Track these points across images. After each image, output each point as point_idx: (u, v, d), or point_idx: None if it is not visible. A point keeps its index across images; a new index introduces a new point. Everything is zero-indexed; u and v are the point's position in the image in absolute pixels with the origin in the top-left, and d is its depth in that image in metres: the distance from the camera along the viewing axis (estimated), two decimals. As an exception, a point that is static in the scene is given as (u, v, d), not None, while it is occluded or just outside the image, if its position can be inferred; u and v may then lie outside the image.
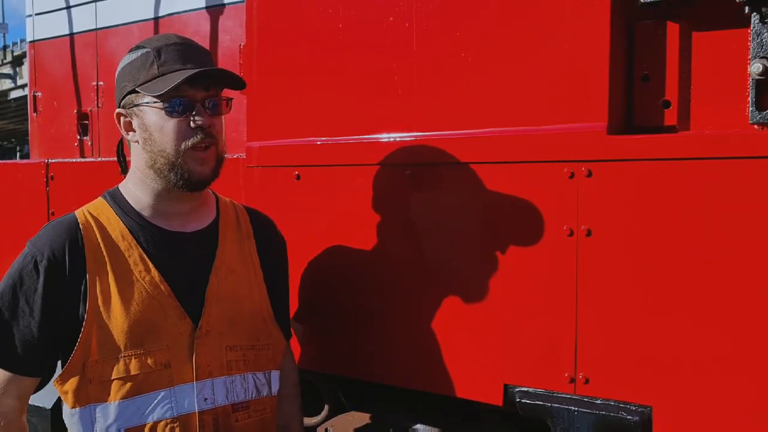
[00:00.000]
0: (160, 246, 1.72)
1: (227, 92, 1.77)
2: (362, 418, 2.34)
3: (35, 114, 3.80)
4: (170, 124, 1.64)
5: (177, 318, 1.68)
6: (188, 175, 1.66)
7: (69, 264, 1.65)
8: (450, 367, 1.91)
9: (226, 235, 1.82)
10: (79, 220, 1.70)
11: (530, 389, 1.80)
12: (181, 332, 1.68)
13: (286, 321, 2.00)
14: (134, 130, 1.71)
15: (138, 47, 1.71)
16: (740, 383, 1.55)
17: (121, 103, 1.72)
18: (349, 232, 2.06)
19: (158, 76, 1.64)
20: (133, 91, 1.68)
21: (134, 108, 1.69)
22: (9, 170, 3.24)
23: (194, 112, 1.65)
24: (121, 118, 1.73)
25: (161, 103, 1.63)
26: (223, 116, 1.73)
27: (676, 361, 1.61)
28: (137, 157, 1.73)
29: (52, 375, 1.72)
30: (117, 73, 1.74)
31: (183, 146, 1.65)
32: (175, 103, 1.63)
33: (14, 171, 3.21)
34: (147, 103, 1.65)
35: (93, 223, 1.70)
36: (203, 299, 1.72)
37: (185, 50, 1.68)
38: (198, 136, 1.65)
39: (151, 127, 1.66)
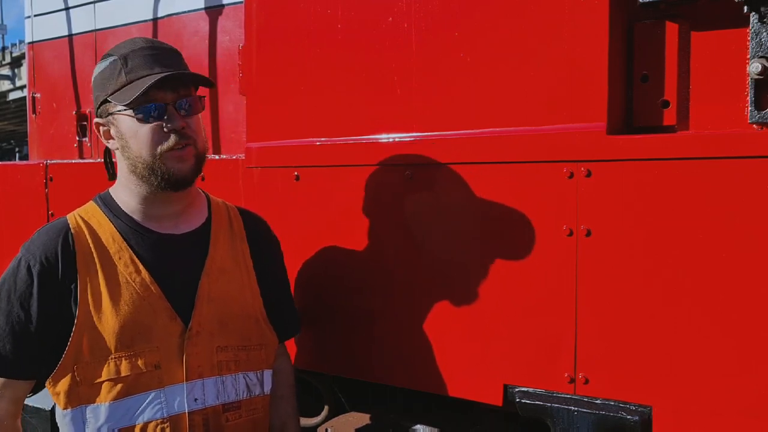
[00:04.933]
0: (152, 248, 1.73)
1: (201, 90, 1.76)
2: (362, 418, 2.34)
3: (34, 115, 3.79)
4: (144, 130, 1.65)
5: (167, 319, 1.69)
6: (168, 175, 1.67)
7: (61, 268, 1.66)
8: (450, 367, 1.91)
9: (218, 236, 1.83)
10: (70, 224, 1.71)
11: (530, 389, 1.80)
12: (171, 333, 1.69)
13: (291, 318, 2.00)
14: (113, 138, 1.72)
15: (107, 55, 1.72)
16: (740, 383, 1.55)
17: (98, 113, 1.74)
18: (349, 232, 2.06)
19: (126, 84, 1.65)
20: (107, 101, 1.69)
21: (109, 117, 1.70)
22: (8, 171, 3.24)
23: (166, 117, 1.65)
24: (100, 128, 1.75)
25: (132, 111, 1.64)
26: (198, 115, 1.73)
27: (676, 361, 1.61)
28: (120, 163, 1.75)
29: (48, 377, 1.71)
30: (92, 83, 1.75)
31: (159, 150, 1.65)
32: (145, 109, 1.64)
33: (13, 172, 3.20)
34: (119, 111, 1.66)
35: (84, 227, 1.71)
36: (194, 300, 1.73)
37: (152, 54, 1.68)
38: (172, 140, 1.66)
39: (126, 134, 1.67)
